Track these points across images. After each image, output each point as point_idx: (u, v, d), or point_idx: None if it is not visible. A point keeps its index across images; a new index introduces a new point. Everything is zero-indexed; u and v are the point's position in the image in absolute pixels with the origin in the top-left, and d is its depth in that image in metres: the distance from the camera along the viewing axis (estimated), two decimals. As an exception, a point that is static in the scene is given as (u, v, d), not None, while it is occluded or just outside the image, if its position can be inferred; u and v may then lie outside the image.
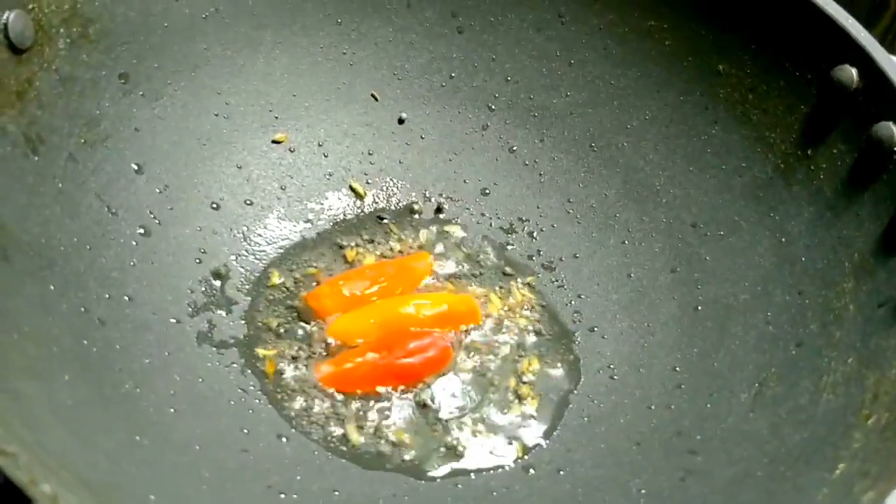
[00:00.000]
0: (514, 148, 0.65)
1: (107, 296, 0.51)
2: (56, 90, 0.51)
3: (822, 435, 0.46)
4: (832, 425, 0.46)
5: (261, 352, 0.55)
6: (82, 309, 0.49)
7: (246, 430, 0.50)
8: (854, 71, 0.53)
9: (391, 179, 0.64)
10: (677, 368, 0.55)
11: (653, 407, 0.54)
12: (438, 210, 0.64)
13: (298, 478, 0.48)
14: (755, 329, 0.54)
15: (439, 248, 0.62)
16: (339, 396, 0.53)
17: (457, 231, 0.63)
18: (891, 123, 0.51)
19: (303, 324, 0.56)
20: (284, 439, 0.51)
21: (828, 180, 0.55)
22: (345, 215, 0.62)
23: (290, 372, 0.54)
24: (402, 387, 0.54)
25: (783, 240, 0.56)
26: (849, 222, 0.53)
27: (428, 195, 0.64)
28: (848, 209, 0.53)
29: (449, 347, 0.56)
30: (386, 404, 0.53)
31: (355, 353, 0.54)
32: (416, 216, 0.63)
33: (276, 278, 0.58)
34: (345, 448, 0.51)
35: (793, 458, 0.46)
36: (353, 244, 0.61)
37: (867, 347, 0.48)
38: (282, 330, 0.56)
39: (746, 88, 0.59)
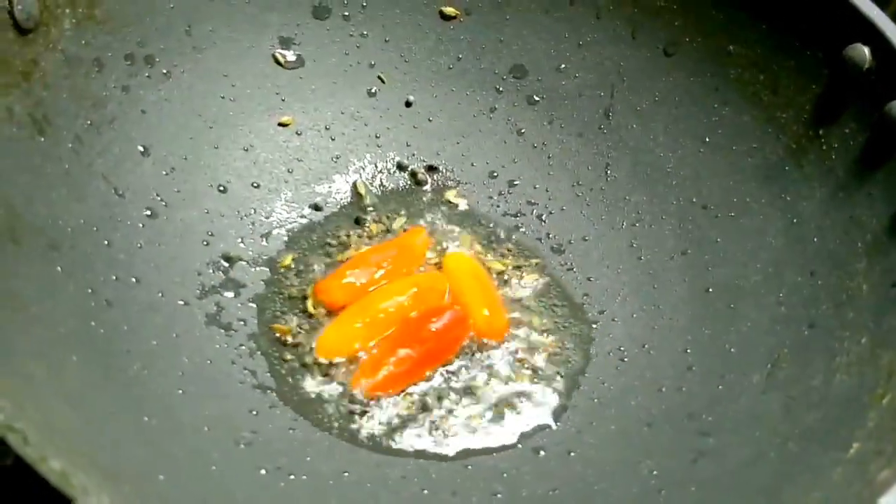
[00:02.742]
0: (523, 130, 0.65)
1: (114, 277, 0.50)
2: (62, 71, 0.51)
3: (836, 415, 0.46)
4: (846, 405, 0.46)
5: (276, 327, 0.54)
6: (89, 290, 0.48)
7: (255, 412, 0.50)
8: (867, 50, 0.52)
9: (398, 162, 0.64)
10: (688, 350, 0.55)
11: (664, 389, 0.53)
12: (431, 169, 0.64)
13: (308, 459, 0.48)
14: (767, 310, 0.54)
15: (446, 227, 0.61)
16: (348, 379, 0.52)
17: (462, 202, 0.63)
18: (904, 102, 0.51)
19: (310, 306, 0.56)
20: (294, 421, 0.50)
21: (840, 161, 0.54)
22: (352, 198, 0.62)
23: (299, 355, 0.53)
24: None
25: (794, 221, 0.55)
26: (861, 202, 0.52)
27: (436, 179, 0.64)
28: (860, 189, 0.53)
29: (465, 316, 0.55)
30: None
31: (384, 354, 0.53)
32: (423, 189, 0.63)
33: (285, 261, 0.58)
34: (354, 429, 0.51)
35: (806, 438, 0.46)
36: (359, 226, 0.60)
37: (880, 327, 0.48)
38: (290, 312, 0.55)
39: (757, 69, 0.58)
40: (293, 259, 0.58)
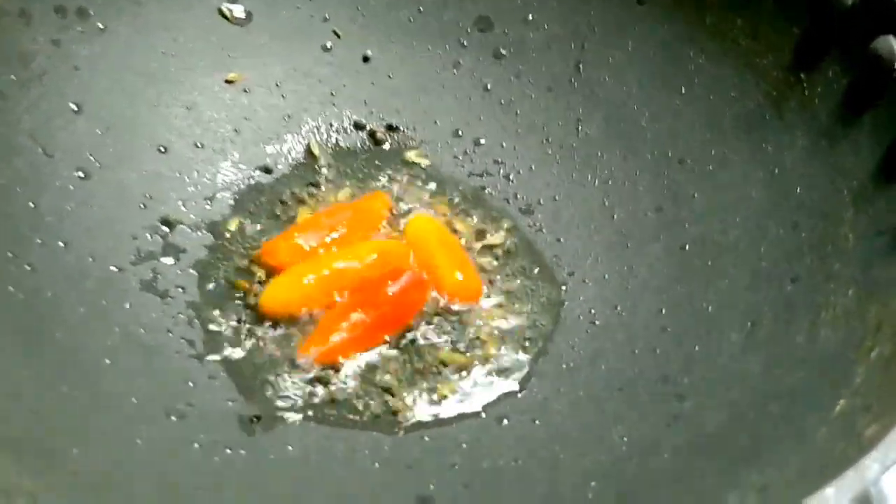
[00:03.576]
0: (489, 86, 0.61)
1: (39, 241, 0.47)
2: (-18, 22, 0.47)
3: (821, 373, 0.42)
4: (831, 362, 0.42)
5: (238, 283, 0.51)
6: (9, 254, 0.45)
7: (191, 384, 0.46)
8: (850, -16, 0.49)
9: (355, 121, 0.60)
10: (663, 311, 0.51)
11: (637, 351, 0.50)
12: (390, 128, 0.60)
13: (247, 433, 0.44)
14: (747, 266, 0.50)
15: (407, 189, 0.57)
16: (295, 347, 0.49)
17: (425, 163, 0.59)
18: (890, 37, 0.47)
19: (254, 268, 0.52)
20: (234, 393, 0.46)
21: (823, 107, 0.51)
22: (305, 159, 0.58)
23: (242, 324, 0.50)
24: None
25: (776, 172, 0.52)
26: (846, 150, 0.49)
27: (396, 139, 0.60)
28: (846, 136, 0.49)
29: (423, 280, 0.51)
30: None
31: (336, 318, 0.49)
32: (382, 149, 0.59)
33: (231, 226, 0.54)
34: (302, 400, 0.47)
35: (788, 398, 0.42)
36: (313, 189, 0.56)
37: (868, 278, 0.44)
38: (233, 279, 0.51)
39: (734, 13, 0.55)
40: (239, 223, 0.54)
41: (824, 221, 0.48)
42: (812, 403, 0.41)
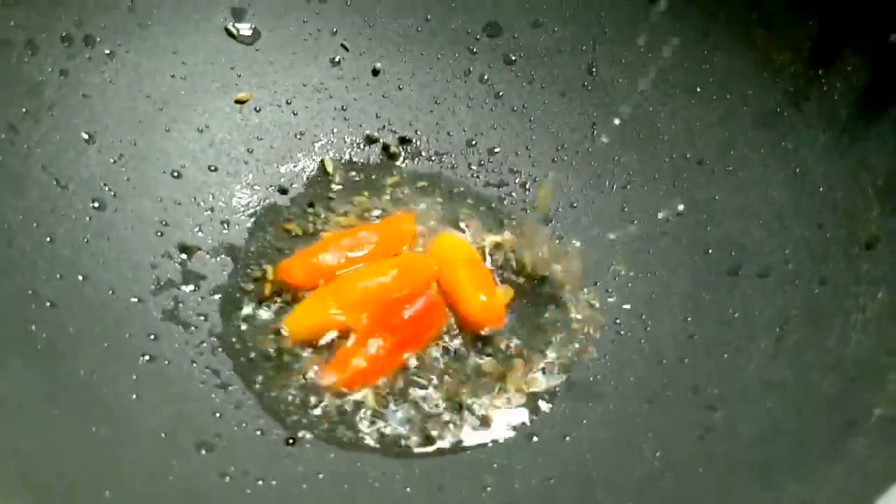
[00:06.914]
0: (501, 93, 0.60)
1: (58, 276, 0.46)
2: (-13, 55, 0.47)
3: (854, 379, 0.41)
4: (864, 367, 0.42)
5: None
6: (30, 292, 0.44)
7: (218, 414, 0.46)
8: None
9: (367, 135, 0.59)
10: (689, 318, 0.51)
11: (664, 362, 0.49)
12: (403, 141, 0.59)
13: (278, 462, 0.44)
14: (773, 269, 0.50)
15: (422, 205, 0.57)
16: (316, 374, 0.48)
17: (439, 180, 0.58)
18: (909, 30, 0.46)
19: (278, 296, 0.51)
20: (261, 422, 0.46)
21: (843, 101, 0.50)
22: (319, 176, 0.57)
23: (267, 350, 0.49)
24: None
25: (798, 170, 0.51)
26: (868, 144, 0.49)
27: (410, 151, 0.59)
28: (867, 130, 0.49)
29: (441, 301, 0.51)
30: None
31: (354, 346, 0.49)
32: (396, 162, 0.59)
33: (248, 248, 0.53)
34: (326, 429, 0.46)
35: (823, 406, 0.41)
36: (330, 207, 0.56)
37: (899, 279, 0.44)
38: (254, 303, 0.51)
39: (748, 8, 0.54)
40: (257, 246, 0.53)
41: (850, 220, 0.48)
42: (848, 411, 0.40)
